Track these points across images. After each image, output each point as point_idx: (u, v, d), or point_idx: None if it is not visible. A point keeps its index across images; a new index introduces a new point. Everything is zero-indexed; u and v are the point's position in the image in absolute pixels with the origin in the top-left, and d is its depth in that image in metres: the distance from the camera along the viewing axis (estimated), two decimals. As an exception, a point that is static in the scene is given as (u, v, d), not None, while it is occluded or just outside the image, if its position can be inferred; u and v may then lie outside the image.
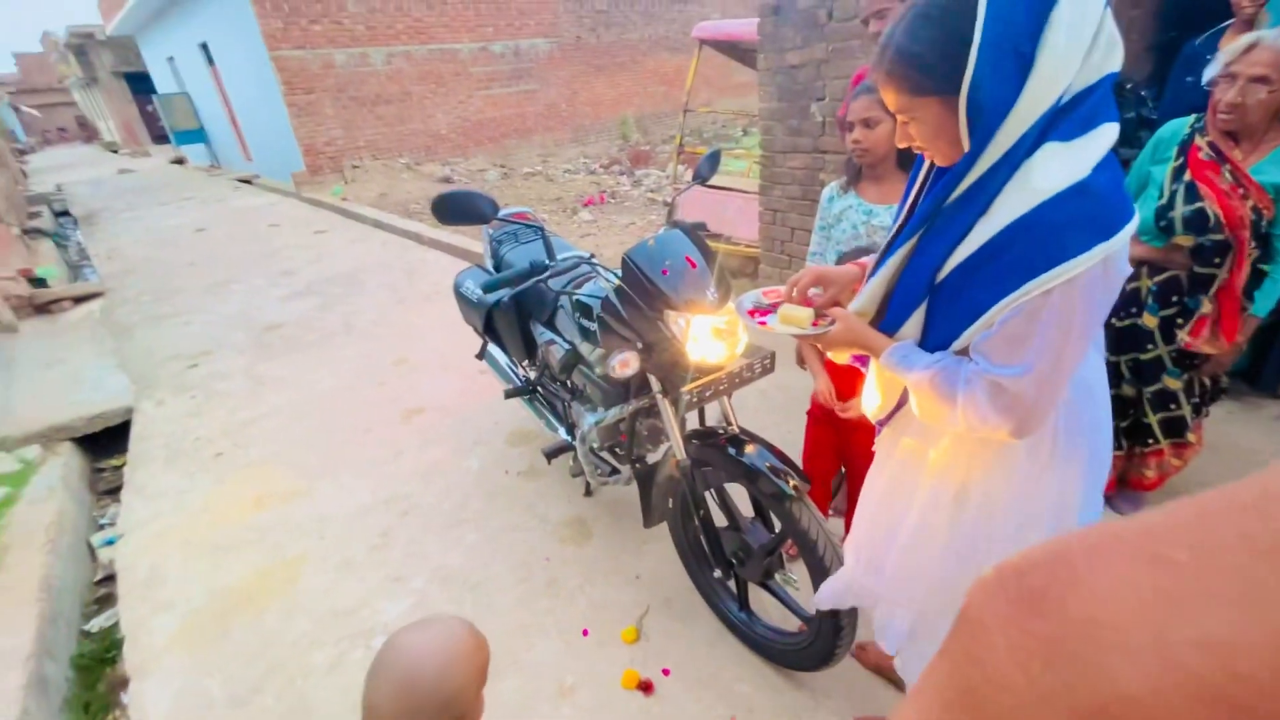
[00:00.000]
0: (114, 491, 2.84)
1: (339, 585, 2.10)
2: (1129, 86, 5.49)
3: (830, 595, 1.29)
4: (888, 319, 0.97)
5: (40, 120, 35.47)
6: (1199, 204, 1.52)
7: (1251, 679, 0.14)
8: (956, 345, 0.89)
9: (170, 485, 2.75)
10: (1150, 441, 1.83)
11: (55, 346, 4.20)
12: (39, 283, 5.31)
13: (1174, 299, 1.68)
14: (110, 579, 2.31)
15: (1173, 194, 1.58)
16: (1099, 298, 0.80)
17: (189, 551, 2.33)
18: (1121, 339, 1.80)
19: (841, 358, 1.07)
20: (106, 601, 2.25)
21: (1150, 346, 1.74)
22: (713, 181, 4.55)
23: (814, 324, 1.05)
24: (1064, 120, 0.76)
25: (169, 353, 4.20)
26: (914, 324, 0.93)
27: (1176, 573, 0.16)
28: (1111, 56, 0.75)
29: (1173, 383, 1.74)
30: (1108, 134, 0.76)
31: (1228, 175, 1.48)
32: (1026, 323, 0.80)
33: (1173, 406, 1.75)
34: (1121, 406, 1.85)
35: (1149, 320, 1.73)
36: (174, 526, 2.48)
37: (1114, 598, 0.17)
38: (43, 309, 4.88)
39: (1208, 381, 1.79)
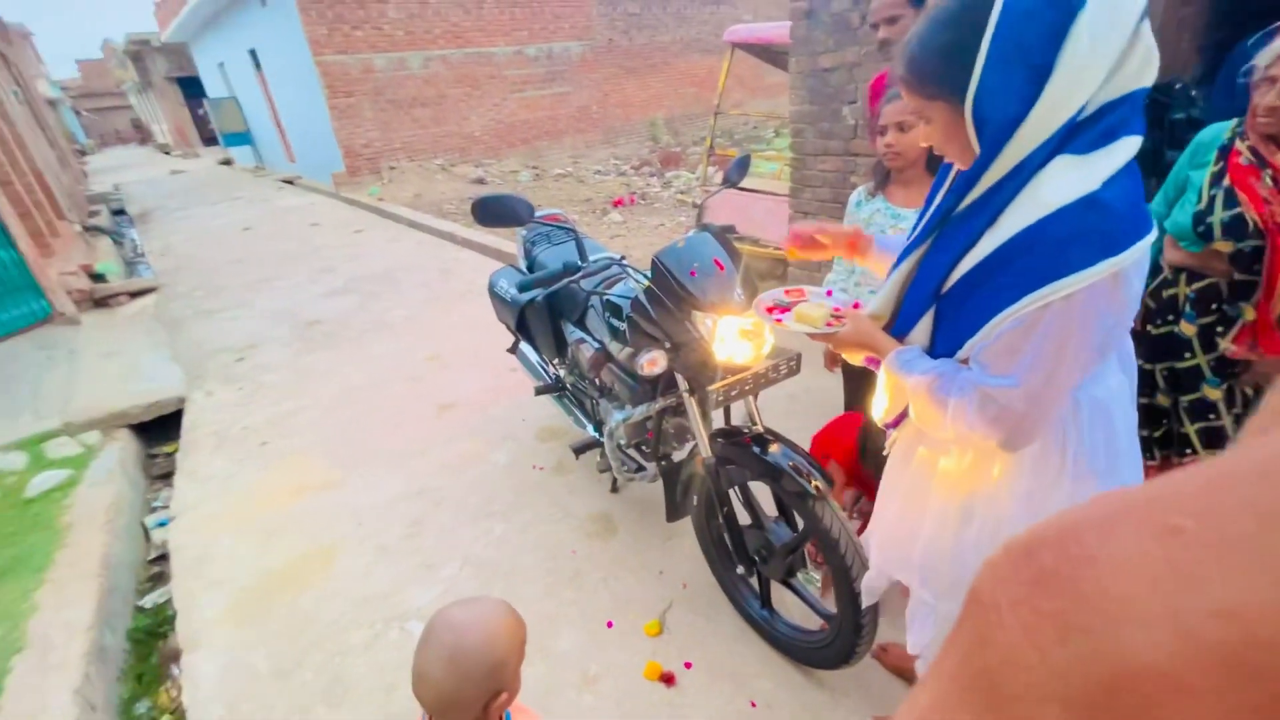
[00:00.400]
0: (166, 476, 3.00)
1: (374, 570, 2.19)
2: (1178, 86, 5.29)
3: (869, 590, 1.31)
4: (898, 324, 0.99)
5: (99, 123, 37.24)
6: (1237, 209, 1.49)
7: (1268, 643, 0.14)
8: (960, 354, 0.90)
9: (219, 471, 2.89)
10: (1188, 452, 1.79)
11: (113, 338, 4.43)
12: (98, 278, 5.61)
13: (1213, 306, 1.65)
14: (163, 558, 2.44)
15: (1211, 199, 1.55)
16: (1104, 315, 0.79)
17: (236, 534, 2.45)
18: (1157, 347, 1.76)
19: (856, 359, 1.10)
20: (159, 579, 2.39)
21: (1188, 354, 1.71)
22: (743, 183, 4.56)
23: (828, 324, 1.08)
24: (1083, 133, 0.75)
25: (218, 346, 4.39)
26: (922, 330, 0.94)
27: (1186, 542, 0.17)
28: (1145, 72, 0.73)
29: (1212, 392, 1.70)
30: (1127, 147, 0.76)
31: (1268, 180, 1.45)
32: (1023, 335, 0.80)
33: (1211, 416, 1.71)
34: (1155, 416, 1.81)
35: (1187, 328, 1.70)
36: (222, 510, 2.61)
37: (1126, 570, 0.17)
38: (102, 303, 5.15)
39: (1250, 392, 1.75)
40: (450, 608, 0.93)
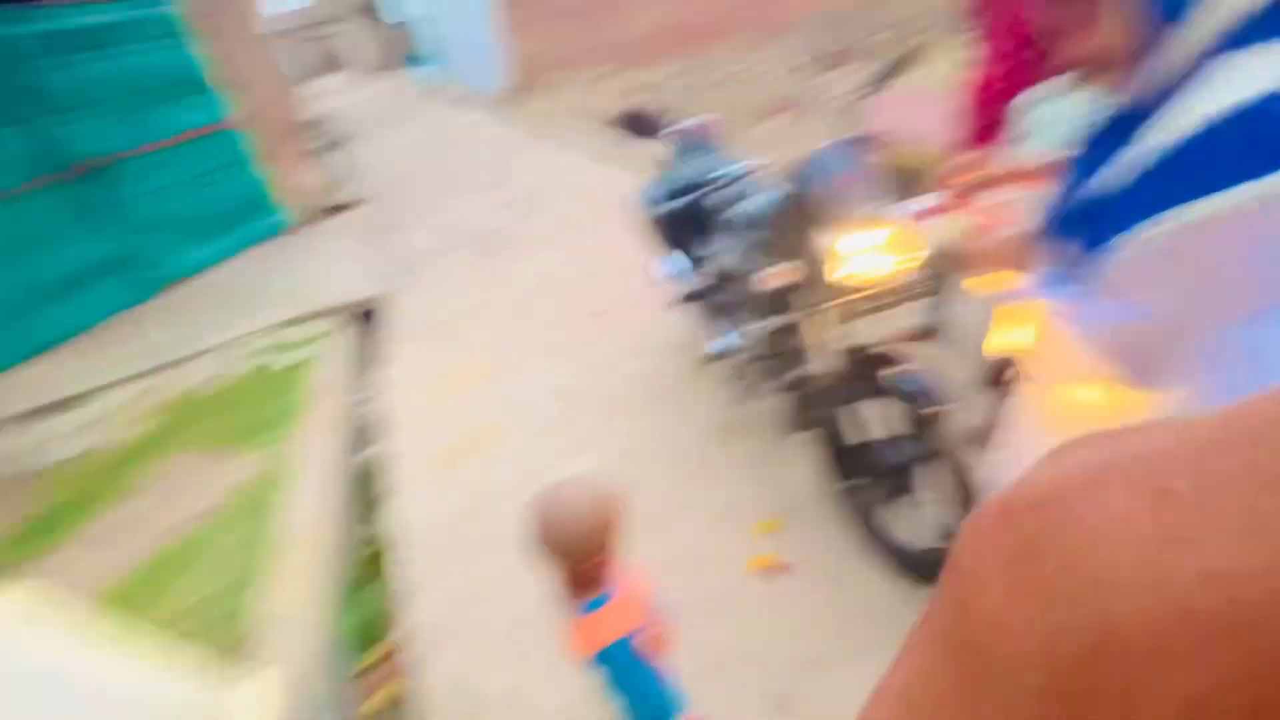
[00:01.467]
0: (374, 360, 3.68)
1: (525, 451, 2.58)
2: None
3: None
4: (1042, 245, 0.91)
5: (310, 51, 42.24)
6: None
7: (1251, 602, 0.14)
8: (1095, 281, 0.78)
9: (414, 357, 3.50)
10: None
11: (335, 246, 5.32)
12: (321, 193, 6.65)
13: None
14: (371, 426, 3.06)
15: None
16: (1260, 246, 0.61)
17: (428, 409, 3.00)
18: None
19: (993, 283, 1.03)
20: (368, 443, 3.01)
21: None
22: (916, 84, 4.03)
23: (971, 238, 1.04)
24: (1255, 28, 0.59)
25: (412, 251, 5.10)
26: (1062, 252, 0.84)
27: (1177, 506, 0.16)
28: None
29: None
30: None
31: None
32: (1159, 262, 0.68)
33: None
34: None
35: None
36: (416, 388, 3.19)
37: (1112, 535, 0.17)
38: (325, 215, 6.15)
39: None
40: (556, 483, 1.06)
